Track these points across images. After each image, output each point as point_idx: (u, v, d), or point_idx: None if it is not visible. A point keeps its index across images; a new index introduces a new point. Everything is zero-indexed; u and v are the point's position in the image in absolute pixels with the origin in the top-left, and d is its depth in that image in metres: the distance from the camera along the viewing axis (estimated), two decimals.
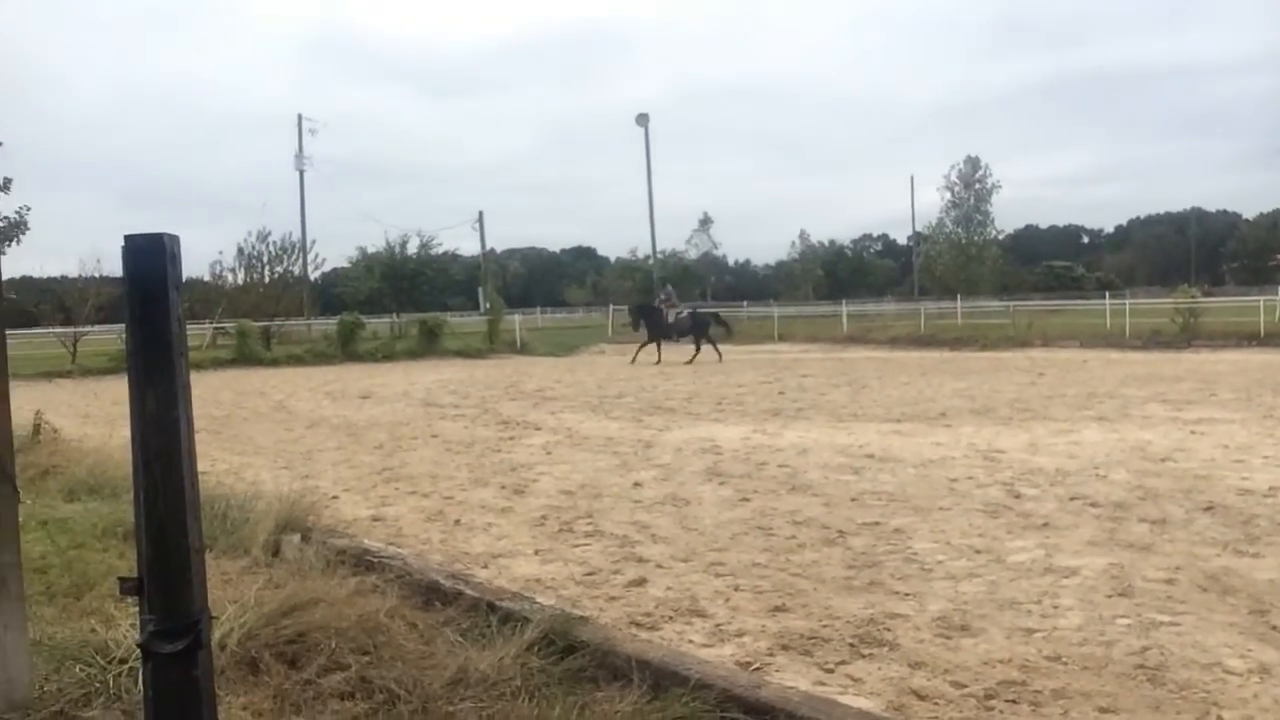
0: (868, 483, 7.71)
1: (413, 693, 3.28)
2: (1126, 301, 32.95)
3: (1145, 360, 22.02)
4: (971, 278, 61.01)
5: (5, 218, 28.26)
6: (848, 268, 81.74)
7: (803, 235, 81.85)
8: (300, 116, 51.75)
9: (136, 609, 2.25)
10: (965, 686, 3.66)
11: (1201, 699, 3.51)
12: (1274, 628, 4.22)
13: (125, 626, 3.87)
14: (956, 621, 4.39)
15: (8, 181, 28.47)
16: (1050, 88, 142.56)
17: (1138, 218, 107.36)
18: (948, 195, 65.89)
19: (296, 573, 4.75)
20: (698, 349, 25.77)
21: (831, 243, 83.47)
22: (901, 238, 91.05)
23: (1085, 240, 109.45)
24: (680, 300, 30.20)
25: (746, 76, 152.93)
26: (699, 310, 29.32)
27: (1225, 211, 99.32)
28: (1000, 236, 69.52)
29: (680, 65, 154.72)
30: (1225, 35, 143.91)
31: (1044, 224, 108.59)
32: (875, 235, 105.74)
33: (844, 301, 44.78)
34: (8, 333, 3.37)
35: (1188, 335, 26.15)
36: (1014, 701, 3.52)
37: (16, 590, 3.25)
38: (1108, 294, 38.66)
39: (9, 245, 28.77)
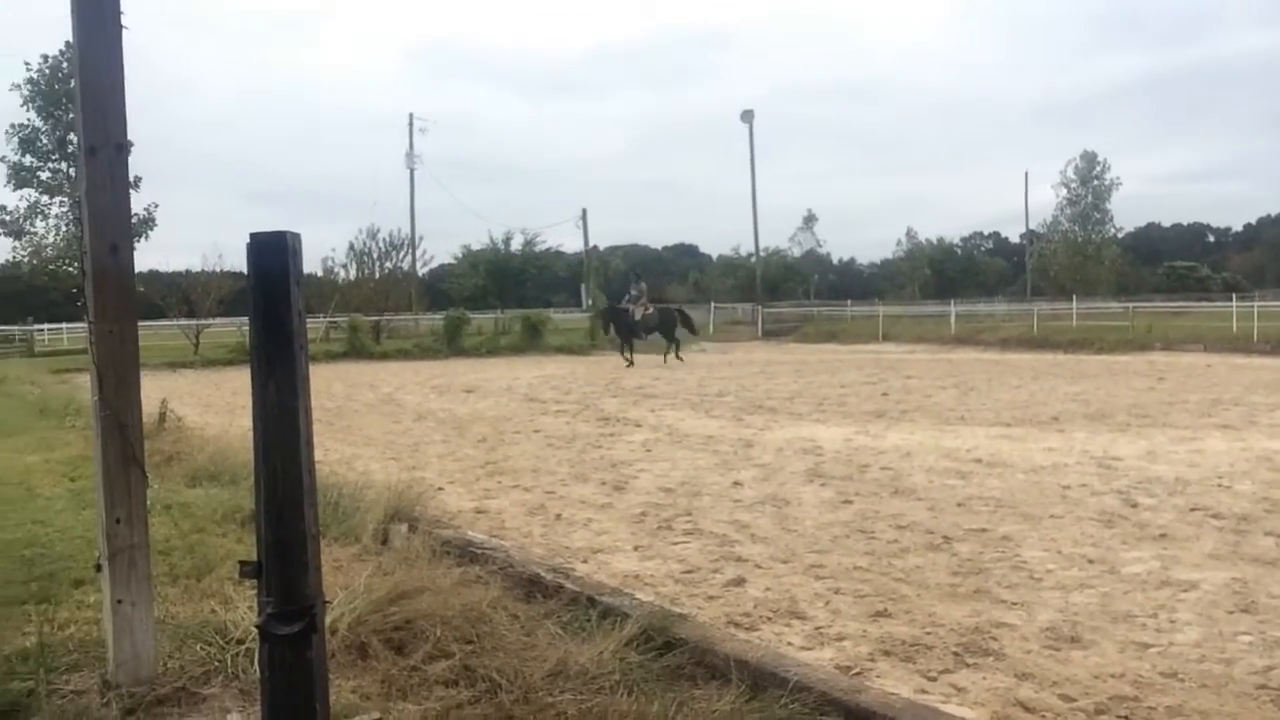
0: (975, 488, 7.53)
1: (514, 682, 3.34)
2: (1255, 304, 31.30)
3: (1274, 365, 20.93)
4: (1088, 278, 58.80)
5: (135, 214, 29.82)
6: (956, 266, 79.71)
7: (909, 233, 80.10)
8: (411, 116, 53.24)
9: (253, 592, 2.35)
10: (1074, 700, 3.55)
11: None
12: None
13: (243, 608, 4.04)
14: (1066, 633, 4.26)
15: (137, 180, 30.00)
16: (1174, 79, 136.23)
17: (1268, 215, 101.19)
18: (1063, 192, 63.61)
19: (404, 561, 4.88)
20: (669, 346, 25.29)
21: (940, 240, 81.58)
22: (1014, 235, 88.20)
23: (1211, 239, 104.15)
24: (782, 297, 29.73)
25: (852, 73, 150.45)
26: (665, 307, 28.26)
27: None
28: (1120, 235, 66.85)
29: (783, 63, 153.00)
30: None
31: (1167, 222, 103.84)
32: (986, 233, 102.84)
33: (952, 301, 43.70)
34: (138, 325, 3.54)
35: None
36: (1126, 718, 3.40)
37: (144, 570, 3.42)
38: (1234, 296, 36.80)
39: (138, 241, 30.33)
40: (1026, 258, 70.18)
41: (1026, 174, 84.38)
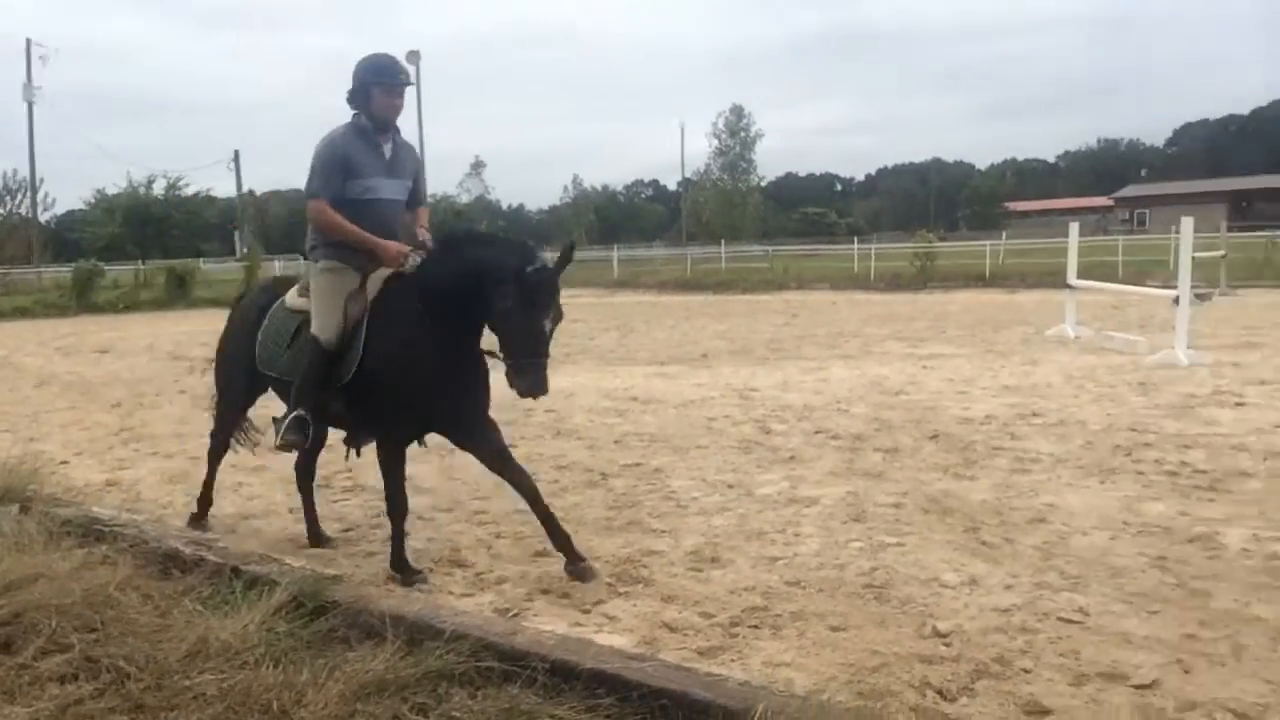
0: (631, 425, 7.90)
1: (145, 669, 3.09)
2: (872, 246, 35.20)
3: (886, 301, 23.65)
4: (735, 224, 63.08)
5: None
6: (620, 213, 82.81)
7: (575, 180, 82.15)
8: (29, 42, 46.16)
9: None
10: (713, 616, 3.85)
11: (920, 611, 3.85)
12: (984, 543, 4.68)
13: None
14: (708, 555, 4.60)
15: None
16: (820, 41, 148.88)
17: (886, 167, 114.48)
18: (714, 143, 67.71)
19: (14, 548, 4.33)
20: None
21: (604, 187, 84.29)
22: (672, 184, 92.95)
23: (839, 188, 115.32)
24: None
25: (525, 20, 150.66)
26: None
27: (961, 163, 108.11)
28: (762, 184, 72.29)
29: (464, 6, 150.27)
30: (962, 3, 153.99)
31: (803, 172, 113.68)
32: (647, 181, 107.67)
33: (615, 246, 45.35)
34: None
35: (924, 277, 28.22)
36: (756, 627, 3.73)
37: None
38: (856, 239, 41.08)
39: None
40: (682, 204, 74.13)
41: (682, 125, 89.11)
